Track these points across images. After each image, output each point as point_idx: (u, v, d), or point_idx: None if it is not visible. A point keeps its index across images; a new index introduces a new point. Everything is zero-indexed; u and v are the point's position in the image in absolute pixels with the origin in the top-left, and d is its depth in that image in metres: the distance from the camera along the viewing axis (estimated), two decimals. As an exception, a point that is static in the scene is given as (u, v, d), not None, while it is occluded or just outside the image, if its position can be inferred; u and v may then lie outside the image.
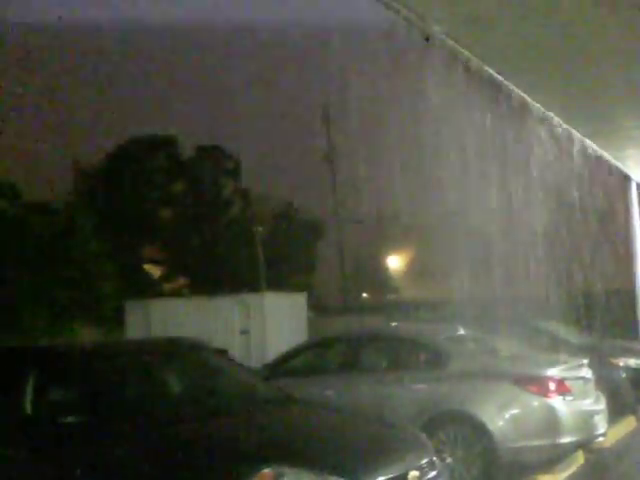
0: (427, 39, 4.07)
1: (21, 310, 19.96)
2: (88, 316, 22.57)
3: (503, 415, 8.34)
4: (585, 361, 9.13)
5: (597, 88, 6.65)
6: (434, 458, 5.97)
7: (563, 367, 8.76)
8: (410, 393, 8.61)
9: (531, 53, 5.45)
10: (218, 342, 21.36)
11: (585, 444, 8.89)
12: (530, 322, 13.08)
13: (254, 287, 27.70)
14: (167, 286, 35.26)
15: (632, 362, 12.54)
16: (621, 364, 12.42)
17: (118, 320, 25.12)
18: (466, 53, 5.71)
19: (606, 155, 10.74)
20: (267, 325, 24.29)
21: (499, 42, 5.61)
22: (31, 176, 25.98)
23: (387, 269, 41.49)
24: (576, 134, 8.14)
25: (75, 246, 21.21)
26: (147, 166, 33.58)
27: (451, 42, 5.34)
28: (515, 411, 8.39)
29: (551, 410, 8.33)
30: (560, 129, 7.74)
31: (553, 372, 8.55)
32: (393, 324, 15.99)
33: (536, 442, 8.28)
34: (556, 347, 12.26)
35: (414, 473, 5.54)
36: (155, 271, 35.50)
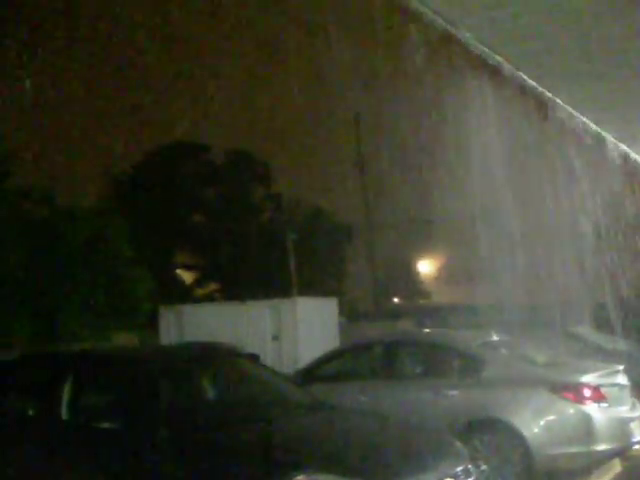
0: (459, 45, 4.07)
1: (57, 315, 20.21)
2: (122, 321, 22.77)
3: (538, 422, 8.27)
4: (620, 367, 9.02)
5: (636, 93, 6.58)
6: (469, 465, 5.94)
7: (598, 374, 8.67)
8: (445, 400, 8.58)
9: (569, 59, 5.41)
10: (250, 347, 21.49)
11: (621, 452, 8.78)
12: (564, 328, 12.96)
13: (285, 292, 27.74)
14: (199, 291, 35.48)
15: (669, 368, 12.36)
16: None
17: (152, 325, 25.34)
18: (498, 58, 5.68)
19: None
20: (298, 330, 24.33)
21: (532, 47, 5.58)
22: (65, 182, 26.27)
23: (419, 274, 41.34)
24: (612, 140, 8.06)
25: (109, 252, 21.43)
26: (179, 172, 33.83)
27: (483, 48, 5.33)
28: (550, 418, 8.31)
29: (586, 417, 8.24)
30: (596, 134, 7.67)
31: (588, 379, 8.46)
32: (426, 330, 15.90)
33: (572, 449, 8.20)
34: (591, 353, 12.14)
35: (449, 480, 5.53)
36: (187, 276, 35.75)
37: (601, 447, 8.27)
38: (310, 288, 29.22)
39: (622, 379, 8.96)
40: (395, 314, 32.27)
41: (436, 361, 9.25)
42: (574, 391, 8.29)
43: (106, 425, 6.08)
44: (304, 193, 34.70)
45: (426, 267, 41.06)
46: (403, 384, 8.98)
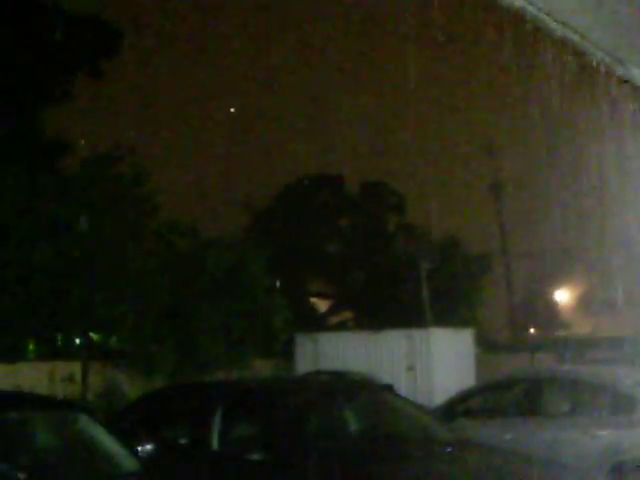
0: (625, 81, 3.97)
1: (199, 342, 20.92)
2: (260, 348, 23.29)
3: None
4: None
5: None
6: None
7: None
8: (593, 440, 8.25)
9: None
10: (384, 376, 21.51)
11: None
12: None
13: (419, 322, 27.54)
14: (332, 319, 35.81)
15: None
16: None
17: (287, 352, 25.76)
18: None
19: None
20: (433, 361, 24.09)
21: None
22: (207, 214, 27.31)
23: (556, 304, 40.02)
24: None
25: (248, 280, 22.03)
26: (315, 203, 34.46)
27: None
28: None
29: None
30: None
31: None
32: (573, 366, 15.37)
33: None
34: None
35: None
36: (321, 304, 36.17)
37: None
38: (445, 318, 28.88)
39: None
40: (533, 346, 31.36)
41: (584, 399, 8.93)
42: None
43: (255, 456, 6.21)
44: (439, 222, 34.48)
45: (565, 297, 39.72)
46: (549, 422, 8.71)
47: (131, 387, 20.74)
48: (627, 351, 15.15)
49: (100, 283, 18.74)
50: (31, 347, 23.51)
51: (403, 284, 32.24)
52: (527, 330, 37.76)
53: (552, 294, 39.40)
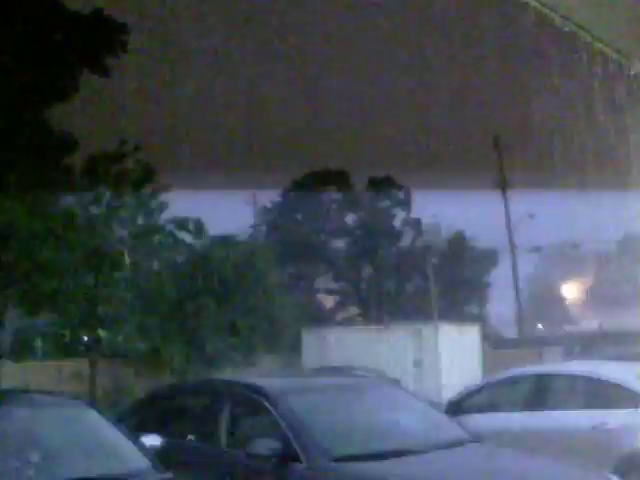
0: (630, 75, 3.97)
1: (207, 338, 20.99)
2: (268, 344, 23.34)
3: None
4: None
5: None
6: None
7: None
8: (599, 434, 8.25)
9: None
10: (391, 372, 21.51)
11: None
12: None
13: (426, 317, 27.54)
14: (340, 315, 35.82)
15: None
16: None
17: (295, 348, 25.80)
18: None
19: None
20: (441, 356, 24.10)
21: None
22: (215, 211, 27.30)
23: (564, 299, 39.95)
24: None
25: (255, 277, 22.08)
26: (321, 199, 34.44)
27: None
28: None
29: None
30: None
31: None
32: (579, 361, 15.35)
33: None
34: None
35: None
36: (328, 300, 36.19)
37: None
38: (452, 313, 28.87)
39: None
40: (541, 341, 31.31)
41: (591, 394, 8.93)
42: None
43: (262, 453, 6.23)
44: (446, 218, 34.40)
45: (573, 292, 39.62)
46: (556, 417, 8.72)
47: (139, 384, 20.80)
48: (634, 346, 15.14)
49: (107, 280, 18.81)
50: (38, 345, 23.60)
51: (410, 279, 32.24)
52: (535, 326, 37.71)
53: (560, 290, 39.33)
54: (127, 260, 19.03)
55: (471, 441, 6.65)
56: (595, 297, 37.04)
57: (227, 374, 19.80)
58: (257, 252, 22.65)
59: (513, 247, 34.50)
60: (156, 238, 20.28)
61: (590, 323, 36.14)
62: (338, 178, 34.82)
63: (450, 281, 31.34)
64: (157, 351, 20.44)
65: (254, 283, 22.03)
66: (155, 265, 19.51)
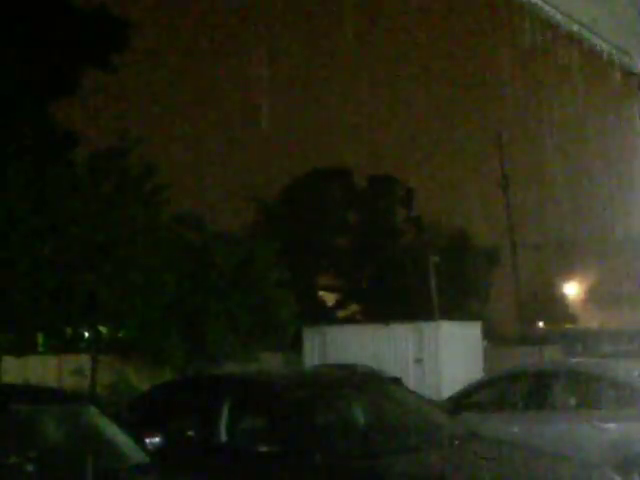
0: (632, 73, 3.96)
1: (208, 335, 20.99)
2: (268, 341, 23.36)
3: None
4: None
5: None
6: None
7: None
8: (602, 433, 8.24)
9: None
10: (392, 369, 21.54)
11: None
12: None
13: (427, 315, 27.56)
14: (341, 313, 35.86)
15: None
16: None
17: (296, 345, 25.82)
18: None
19: None
20: (441, 354, 24.10)
21: None
22: (216, 207, 27.36)
23: (565, 297, 39.98)
24: None
25: (256, 274, 22.09)
26: (323, 196, 34.46)
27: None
28: None
29: None
30: None
31: None
32: (580, 359, 15.34)
33: None
34: None
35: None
36: (329, 298, 36.22)
37: None
38: (453, 311, 28.88)
39: None
40: (541, 339, 31.33)
41: (592, 392, 8.92)
42: None
43: (262, 449, 6.23)
44: (447, 216, 34.47)
45: (573, 290, 39.65)
46: (556, 416, 8.71)
47: (140, 380, 20.82)
48: (635, 344, 15.15)
49: (109, 276, 18.80)
50: (40, 340, 23.62)
51: (411, 277, 32.24)
52: (535, 323, 37.75)
53: (561, 287, 39.36)
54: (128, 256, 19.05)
55: (471, 438, 6.65)
56: (595, 295, 37.06)
57: (227, 370, 19.83)
58: (258, 249, 22.63)
59: (514, 245, 34.51)
60: (157, 234, 20.27)
61: (590, 321, 36.16)
62: (340, 176, 34.90)
63: (451, 279, 31.36)
64: (157, 347, 20.46)
65: (255, 280, 22.04)
66: (156, 261, 19.49)
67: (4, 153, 18.42)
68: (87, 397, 8.90)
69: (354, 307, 36.28)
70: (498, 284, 34.95)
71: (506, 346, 30.82)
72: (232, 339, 21.50)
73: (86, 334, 22.28)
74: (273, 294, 22.29)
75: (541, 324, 38.86)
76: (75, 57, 22.13)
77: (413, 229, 35.81)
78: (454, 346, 24.21)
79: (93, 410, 5.82)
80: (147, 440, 5.78)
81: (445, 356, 24.00)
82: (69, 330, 21.98)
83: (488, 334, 28.43)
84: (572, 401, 9.15)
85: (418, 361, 24.40)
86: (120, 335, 22.35)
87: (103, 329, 21.75)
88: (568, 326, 37.67)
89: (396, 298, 31.86)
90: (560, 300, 39.44)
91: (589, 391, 8.97)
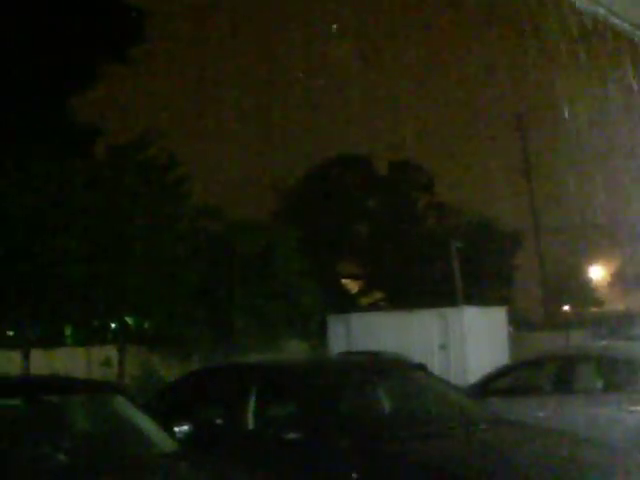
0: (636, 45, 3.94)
1: (233, 324, 21.12)
2: (293, 330, 23.45)
3: None
4: None
5: None
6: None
7: None
8: (629, 416, 8.21)
9: None
10: (417, 356, 21.54)
11: None
12: None
13: (451, 301, 27.49)
14: (364, 300, 35.86)
15: None
16: None
17: (320, 333, 25.89)
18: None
19: None
20: (466, 340, 24.05)
21: None
22: (236, 197, 27.41)
23: (590, 280, 39.64)
24: None
25: (278, 263, 22.16)
26: (343, 183, 34.42)
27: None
28: None
29: None
30: None
31: None
32: (606, 343, 15.26)
33: None
34: None
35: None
36: (352, 285, 36.23)
37: None
38: (477, 297, 28.77)
39: None
40: (566, 323, 31.16)
41: (618, 376, 8.87)
42: None
43: (290, 436, 6.28)
44: (469, 200, 34.29)
45: (599, 273, 39.31)
46: (583, 400, 8.68)
47: (167, 370, 20.99)
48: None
49: (134, 268, 18.94)
50: (68, 333, 23.88)
51: (434, 263, 32.17)
52: (561, 307, 37.50)
53: (586, 271, 39.03)
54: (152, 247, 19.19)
55: (497, 423, 6.66)
56: (621, 278, 36.73)
57: (253, 359, 19.93)
58: (280, 238, 22.69)
59: (538, 229, 34.30)
60: (180, 225, 20.39)
61: (616, 304, 35.87)
62: (360, 162, 34.82)
63: (475, 264, 31.22)
64: (183, 337, 20.62)
65: (278, 269, 22.10)
66: (180, 251, 19.62)
67: (25, 147, 18.59)
68: (116, 386, 8.99)
69: (378, 294, 36.27)
70: (523, 269, 34.78)
71: (531, 331, 30.70)
72: (257, 328, 21.60)
73: (112, 325, 22.50)
74: (296, 282, 22.35)
75: (566, 308, 38.62)
76: (93, 49, 22.23)
77: (435, 215, 35.69)
78: (479, 332, 24.13)
79: (122, 399, 5.88)
80: (176, 428, 5.85)
81: (470, 342, 23.94)
82: (96, 322, 22.21)
83: (513, 319, 28.32)
84: (599, 385, 9.11)
85: (442, 347, 24.37)
86: (146, 326, 22.55)
87: (129, 320, 21.95)
88: (594, 310, 37.40)
89: (420, 284, 31.81)
90: (585, 284, 39.12)
91: (616, 375, 8.92)
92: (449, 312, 24.83)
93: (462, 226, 33.48)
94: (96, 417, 5.78)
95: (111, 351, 21.30)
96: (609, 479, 5.54)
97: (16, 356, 18.98)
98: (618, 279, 37.34)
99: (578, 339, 27.54)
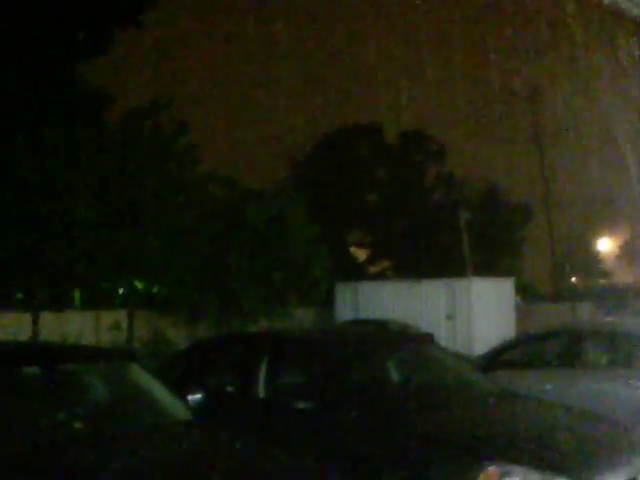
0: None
1: (241, 292, 21.22)
2: (301, 298, 23.56)
3: None
4: None
5: None
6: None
7: None
8: (633, 391, 8.27)
9: None
10: (423, 325, 21.63)
11: None
12: None
13: (459, 272, 27.54)
14: (372, 268, 35.95)
15: None
16: None
17: (328, 301, 26.01)
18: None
19: None
20: (473, 310, 24.14)
21: None
22: (247, 165, 27.40)
23: (598, 252, 39.62)
24: None
25: (288, 231, 22.20)
26: (353, 152, 34.32)
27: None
28: None
29: None
30: None
31: None
32: (614, 318, 15.28)
33: None
34: None
35: (644, 479, 5.35)
36: (360, 254, 36.30)
37: None
38: (485, 267, 28.80)
39: None
40: (573, 295, 31.19)
41: (625, 351, 8.91)
42: None
43: (300, 404, 6.36)
44: (480, 171, 34.18)
45: (607, 245, 39.26)
46: (589, 374, 8.73)
47: (175, 334, 21.18)
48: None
49: (143, 234, 19.02)
50: (77, 296, 24.05)
51: (443, 233, 32.16)
52: (569, 279, 37.54)
53: (594, 243, 38.99)
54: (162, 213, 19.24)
55: (505, 396, 6.72)
56: (629, 251, 36.69)
57: (261, 326, 20.07)
58: (289, 206, 22.71)
59: (548, 201, 34.19)
60: (189, 192, 20.42)
61: (624, 277, 35.86)
62: (370, 132, 34.66)
63: (483, 235, 31.21)
64: (192, 302, 20.76)
65: (287, 237, 22.16)
66: (189, 219, 19.67)
67: (38, 114, 18.57)
68: (130, 353, 9.08)
69: (385, 263, 36.34)
70: (531, 240, 34.73)
71: (539, 302, 30.73)
72: (265, 295, 21.72)
73: (120, 290, 22.65)
74: (305, 250, 22.42)
75: (574, 280, 38.66)
76: (104, 14, 22.03)
77: (444, 185, 35.58)
78: (486, 302, 24.21)
79: (136, 367, 5.95)
80: (189, 397, 5.92)
81: (477, 312, 24.04)
82: (105, 285, 22.35)
83: (521, 290, 28.38)
84: (605, 359, 9.16)
85: (449, 317, 24.48)
86: (155, 290, 22.71)
87: (138, 284, 22.09)
88: (602, 282, 37.42)
89: (428, 254, 31.84)
90: (594, 256, 39.10)
91: (622, 349, 8.96)
92: (457, 283, 24.89)
93: (471, 197, 33.41)
94: (112, 385, 5.85)
95: (120, 315, 21.48)
96: (614, 454, 5.60)
97: (26, 319, 19.16)
98: (626, 251, 37.30)
99: (585, 311, 27.60)
